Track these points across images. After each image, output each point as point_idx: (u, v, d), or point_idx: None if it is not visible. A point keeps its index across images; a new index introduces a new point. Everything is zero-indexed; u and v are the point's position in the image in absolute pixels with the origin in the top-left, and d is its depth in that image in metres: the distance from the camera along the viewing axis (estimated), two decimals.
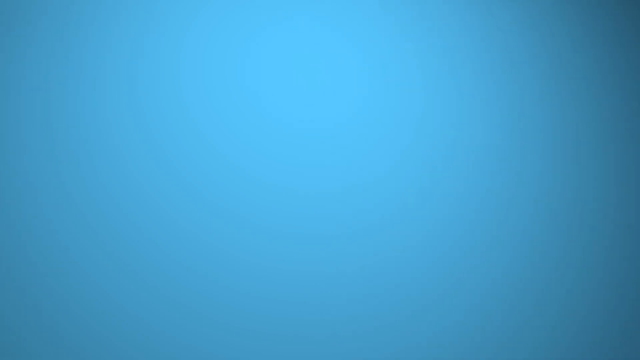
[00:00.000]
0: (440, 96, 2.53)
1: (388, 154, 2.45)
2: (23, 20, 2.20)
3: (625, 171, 2.70)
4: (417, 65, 2.52)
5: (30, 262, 2.14)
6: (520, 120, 2.59)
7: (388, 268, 2.40)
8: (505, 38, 2.62)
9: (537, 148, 2.60)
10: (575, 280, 2.58)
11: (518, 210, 2.54)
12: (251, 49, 2.37)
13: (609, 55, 2.74)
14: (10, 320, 2.10)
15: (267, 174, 2.33)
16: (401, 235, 2.42)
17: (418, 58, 2.52)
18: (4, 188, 2.14)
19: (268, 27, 2.40)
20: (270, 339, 2.28)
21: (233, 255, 2.28)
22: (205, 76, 2.32)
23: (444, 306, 2.43)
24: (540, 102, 2.63)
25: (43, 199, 2.17)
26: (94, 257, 2.18)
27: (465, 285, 2.46)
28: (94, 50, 2.24)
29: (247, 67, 2.36)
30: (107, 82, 2.24)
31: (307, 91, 2.40)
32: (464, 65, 2.56)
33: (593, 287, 2.60)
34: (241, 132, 2.33)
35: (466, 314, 2.45)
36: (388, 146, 2.45)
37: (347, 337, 2.34)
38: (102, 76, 2.24)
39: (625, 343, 2.61)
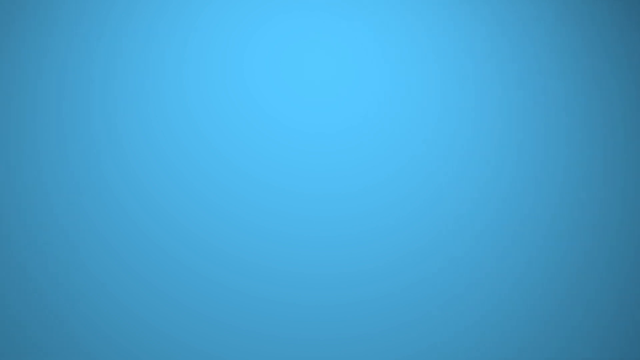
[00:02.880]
0: (457, 95, 2.53)
1: (401, 154, 2.45)
2: (36, 26, 2.23)
3: None
4: (434, 62, 2.51)
5: (41, 261, 2.16)
6: (543, 122, 2.58)
7: (398, 270, 2.40)
8: (529, 36, 2.61)
9: (561, 151, 2.59)
10: (593, 284, 2.58)
11: (534, 212, 2.54)
12: (256, 48, 2.38)
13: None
14: (22, 317, 2.13)
15: (274, 176, 2.35)
16: (411, 238, 2.42)
17: (436, 54, 2.52)
18: (17, 188, 2.16)
19: (273, 22, 2.40)
20: (277, 341, 2.29)
21: (241, 258, 2.30)
22: (211, 78, 2.34)
23: (455, 309, 2.44)
24: (565, 104, 2.61)
25: (54, 199, 2.19)
26: (100, 256, 2.21)
27: (478, 289, 2.46)
28: (103, 56, 2.27)
29: (252, 67, 2.37)
30: (116, 85, 2.26)
31: (315, 91, 2.41)
32: (483, 64, 2.57)
33: (612, 291, 2.59)
34: (246, 134, 2.34)
35: (478, 318, 2.45)
36: (401, 147, 2.45)
37: (351, 340, 2.35)
38: (111, 79, 2.26)
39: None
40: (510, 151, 2.55)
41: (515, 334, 2.48)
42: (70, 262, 2.18)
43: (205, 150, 2.30)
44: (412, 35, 2.52)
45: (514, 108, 2.58)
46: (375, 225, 2.40)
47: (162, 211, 2.25)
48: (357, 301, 2.36)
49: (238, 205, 2.30)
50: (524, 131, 2.58)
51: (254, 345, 2.27)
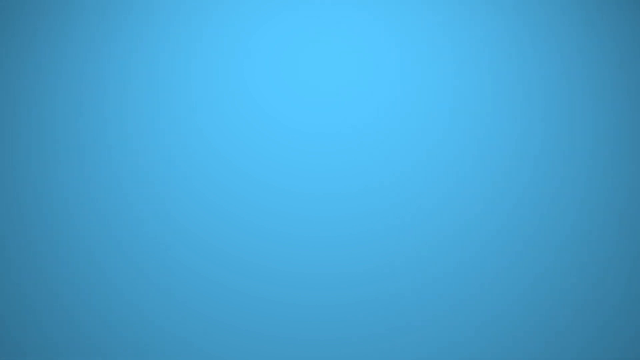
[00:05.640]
0: (471, 97, 2.51)
1: (409, 156, 2.44)
2: (56, 32, 2.28)
3: None
4: (448, 64, 2.49)
5: (55, 258, 2.21)
6: (561, 126, 2.53)
7: (400, 272, 2.39)
8: (551, 38, 2.55)
9: (577, 157, 2.54)
10: (608, 288, 2.54)
11: (544, 217, 2.51)
12: (261, 50, 2.38)
13: None
14: (36, 311, 2.19)
15: (281, 178, 2.35)
16: (415, 240, 2.41)
17: (450, 55, 2.49)
18: (34, 188, 2.22)
19: (278, 23, 2.40)
20: (277, 341, 2.30)
21: (246, 259, 2.30)
22: (218, 80, 2.35)
23: (459, 313, 2.42)
24: (586, 109, 2.54)
25: (69, 198, 2.25)
26: (109, 254, 2.25)
27: (484, 293, 2.44)
28: (117, 60, 2.31)
29: (257, 68, 2.38)
30: (127, 87, 2.30)
31: (322, 92, 2.40)
32: (500, 66, 2.55)
33: (628, 297, 2.55)
34: (253, 137, 2.35)
35: (482, 322, 2.44)
36: (408, 148, 2.44)
37: (351, 341, 2.34)
38: (123, 82, 2.30)
39: None
40: (523, 156, 2.52)
41: (521, 338, 2.46)
42: (82, 259, 2.23)
43: (212, 153, 2.31)
44: (425, 33, 2.50)
45: (532, 111, 2.54)
46: (379, 227, 2.38)
47: (169, 213, 2.26)
48: (359, 302, 2.35)
49: (244, 208, 2.31)
50: (540, 135, 2.54)
51: (255, 345, 2.27)
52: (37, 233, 2.23)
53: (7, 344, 2.17)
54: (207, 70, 2.35)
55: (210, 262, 2.29)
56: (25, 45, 2.27)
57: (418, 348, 2.38)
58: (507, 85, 2.54)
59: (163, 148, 2.31)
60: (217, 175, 2.33)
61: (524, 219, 2.50)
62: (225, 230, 2.31)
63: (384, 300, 2.37)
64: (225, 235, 2.31)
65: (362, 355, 2.34)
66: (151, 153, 2.30)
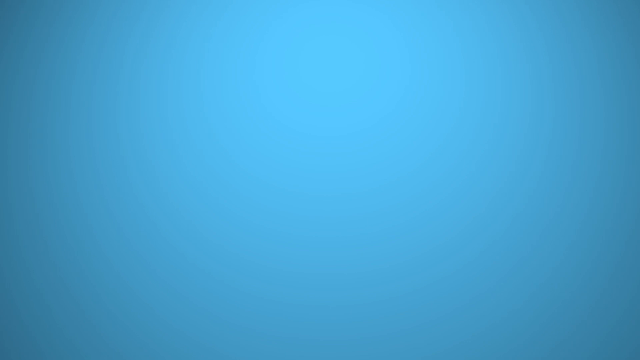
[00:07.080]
0: (480, 97, 2.51)
1: (415, 156, 2.43)
2: (65, 38, 2.31)
3: None
4: (458, 65, 2.48)
5: (70, 257, 2.25)
6: (574, 127, 2.51)
7: (410, 273, 2.40)
8: (566, 39, 2.52)
9: (594, 159, 2.52)
10: (619, 294, 2.53)
11: (555, 218, 2.50)
12: (268, 52, 2.38)
13: None
14: (50, 308, 2.23)
15: (289, 181, 2.35)
16: (422, 240, 2.41)
17: (459, 56, 2.48)
18: (45, 186, 2.26)
19: (285, 23, 2.40)
20: (286, 342, 2.31)
21: (260, 263, 2.32)
22: (225, 84, 2.36)
23: (465, 315, 2.42)
24: (602, 108, 2.54)
25: (79, 198, 2.28)
26: (121, 253, 2.27)
27: (491, 295, 2.45)
28: (129, 63, 2.33)
29: (264, 71, 2.38)
30: (140, 90, 2.32)
31: (330, 92, 2.40)
32: (512, 66, 2.54)
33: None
34: (261, 140, 2.35)
35: (488, 325, 2.44)
36: (415, 148, 2.43)
37: (355, 342, 2.35)
38: (136, 85, 2.32)
39: None
40: (532, 157, 2.51)
41: (525, 341, 2.46)
42: (93, 258, 2.25)
43: (222, 155, 2.32)
44: (435, 35, 2.49)
45: (543, 112, 2.53)
46: (386, 228, 2.39)
47: (179, 214, 2.29)
48: (369, 303, 2.36)
49: (254, 210, 2.31)
50: (549, 136, 2.52)
51: (266, 346, 2.28)
52: (48, 232, 2.26)
53: (17, 342, 2.20)
54: (216, 71, 2.36)
55: (220, 263, 2.30)
56: (34, 46, 2.30)
57: (419, 350, 2.40)
58: (515, 87, 2.53)
59: (173, 149, 2.32)
60: (227, 177, 2.34)
61: (530, 222, 2.49)
62: (235, 233, 2.32)
63: (387, 301, 2.37)
64: (236, 237, 2.32)
65: (363, 356, 2.36)
66: (161, 154, 2.32)
